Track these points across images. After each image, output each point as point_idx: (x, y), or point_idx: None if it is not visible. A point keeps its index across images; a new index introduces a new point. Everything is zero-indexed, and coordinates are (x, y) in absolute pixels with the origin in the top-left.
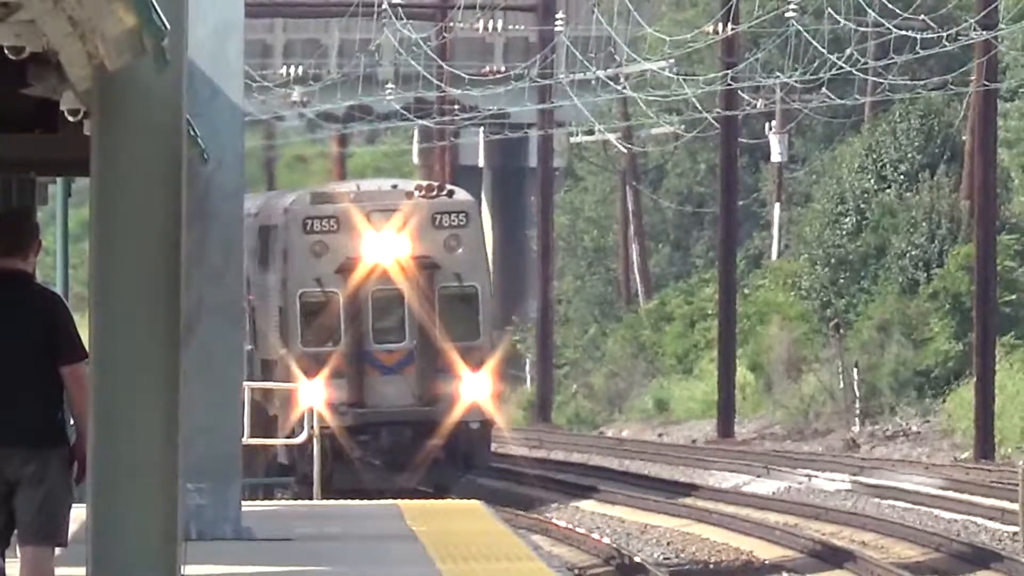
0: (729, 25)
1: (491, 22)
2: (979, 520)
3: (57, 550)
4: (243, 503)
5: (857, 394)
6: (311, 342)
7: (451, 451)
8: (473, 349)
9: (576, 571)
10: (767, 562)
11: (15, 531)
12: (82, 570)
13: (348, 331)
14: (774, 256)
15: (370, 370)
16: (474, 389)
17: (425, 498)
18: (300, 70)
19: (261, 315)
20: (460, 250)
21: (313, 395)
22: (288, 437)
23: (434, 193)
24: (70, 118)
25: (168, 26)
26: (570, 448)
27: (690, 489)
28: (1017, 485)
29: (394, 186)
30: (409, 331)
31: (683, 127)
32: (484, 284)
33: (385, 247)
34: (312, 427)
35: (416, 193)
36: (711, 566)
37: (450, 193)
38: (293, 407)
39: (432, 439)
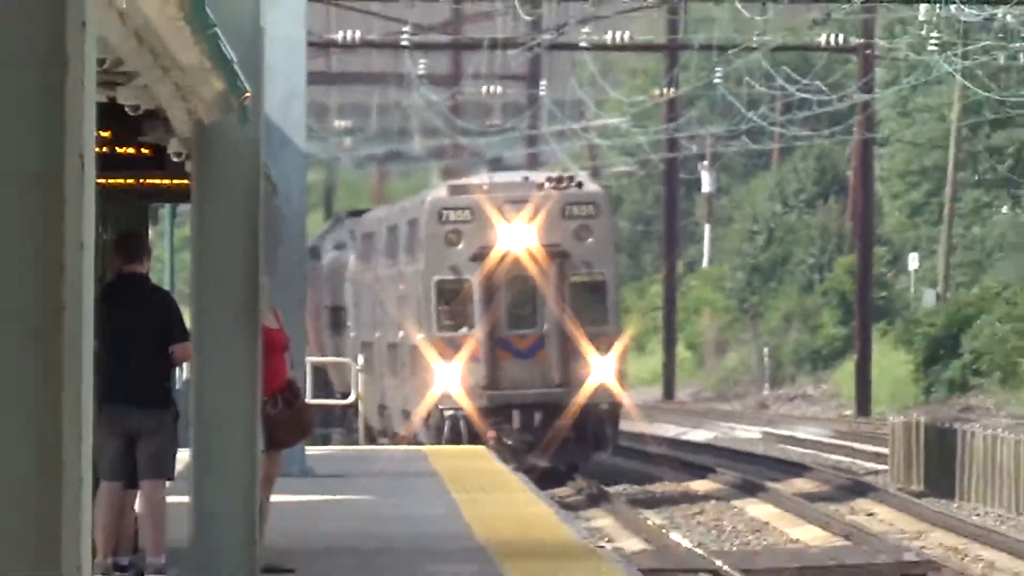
0: (671, 89)
1: (492, 87)
2: (859, 461)
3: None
4: (306, 448)
5: (767, 367)
6: (447, 327)
7: (580, 431)
8: (601, 334)
9: (559, 499)
10: (699, 492)
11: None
12: (186, 498)
13: (483, 316)
14: (705, 263)
15: (504, 354)
16: (602, 372)
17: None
18: (349, 123)
19: (402, 302)
20: (590, 240)
21: (449, 378)
22: (425, 421)
23: (564, 184)
24: (175, 159)
25: (249, 90)
26: None
27: (641, 437)
28: (887, 435)
29: (525, 178)
30: (540, 317)
31: (636, 166)
32: (612, 272)
33: (517, 236)
34: (359, 390)
35: (547, 184)
36: (658, 496)
37: (580, 184)
38: (427, 389)
39: (562, 420)
